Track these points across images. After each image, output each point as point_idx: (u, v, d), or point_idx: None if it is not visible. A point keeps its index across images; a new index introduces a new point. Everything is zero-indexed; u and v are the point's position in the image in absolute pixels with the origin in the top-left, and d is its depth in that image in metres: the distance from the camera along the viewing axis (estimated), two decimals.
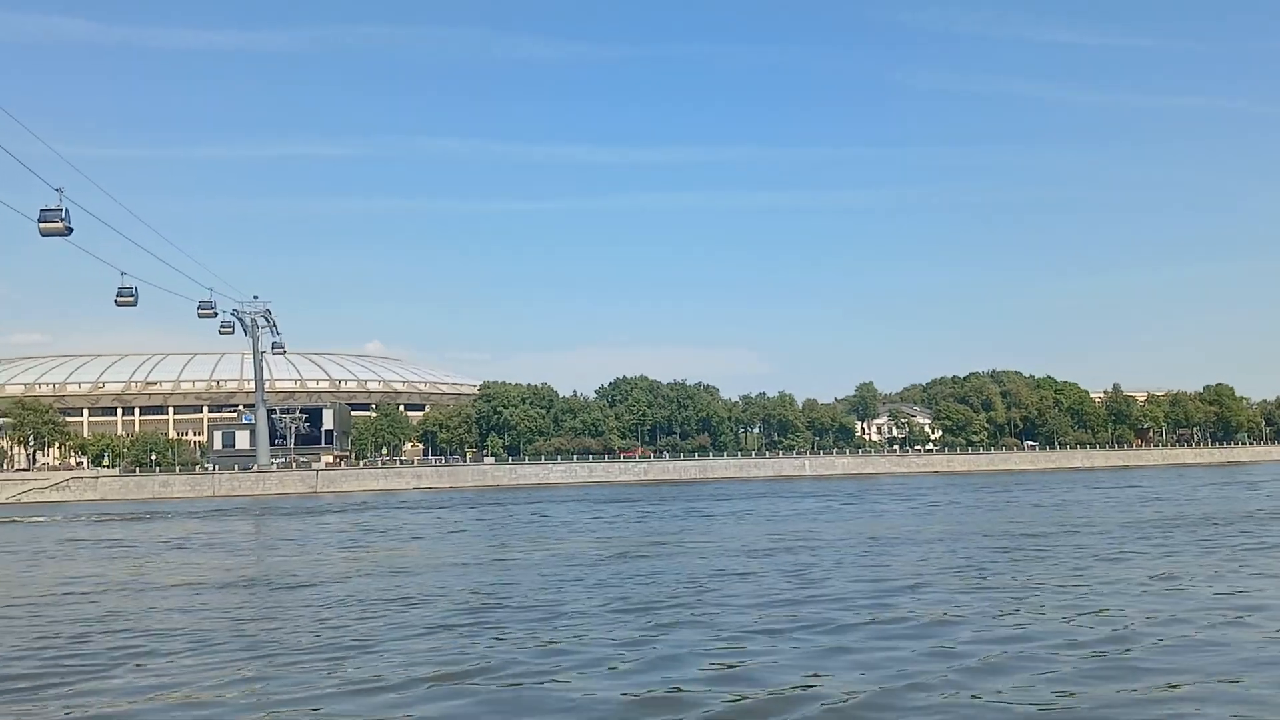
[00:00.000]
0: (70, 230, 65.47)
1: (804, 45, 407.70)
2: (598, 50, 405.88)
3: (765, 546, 44.72)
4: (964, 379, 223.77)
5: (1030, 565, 35.06)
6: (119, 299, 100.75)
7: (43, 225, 64.77)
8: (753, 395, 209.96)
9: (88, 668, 20.65)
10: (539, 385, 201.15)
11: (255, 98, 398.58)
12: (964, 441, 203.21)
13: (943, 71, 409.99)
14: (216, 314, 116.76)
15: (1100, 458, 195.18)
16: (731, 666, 19.55)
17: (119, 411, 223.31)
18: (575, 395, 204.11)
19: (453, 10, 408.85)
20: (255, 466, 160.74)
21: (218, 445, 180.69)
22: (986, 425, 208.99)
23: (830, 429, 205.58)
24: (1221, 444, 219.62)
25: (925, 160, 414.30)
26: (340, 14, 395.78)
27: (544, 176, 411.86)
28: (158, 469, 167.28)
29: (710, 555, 41.52)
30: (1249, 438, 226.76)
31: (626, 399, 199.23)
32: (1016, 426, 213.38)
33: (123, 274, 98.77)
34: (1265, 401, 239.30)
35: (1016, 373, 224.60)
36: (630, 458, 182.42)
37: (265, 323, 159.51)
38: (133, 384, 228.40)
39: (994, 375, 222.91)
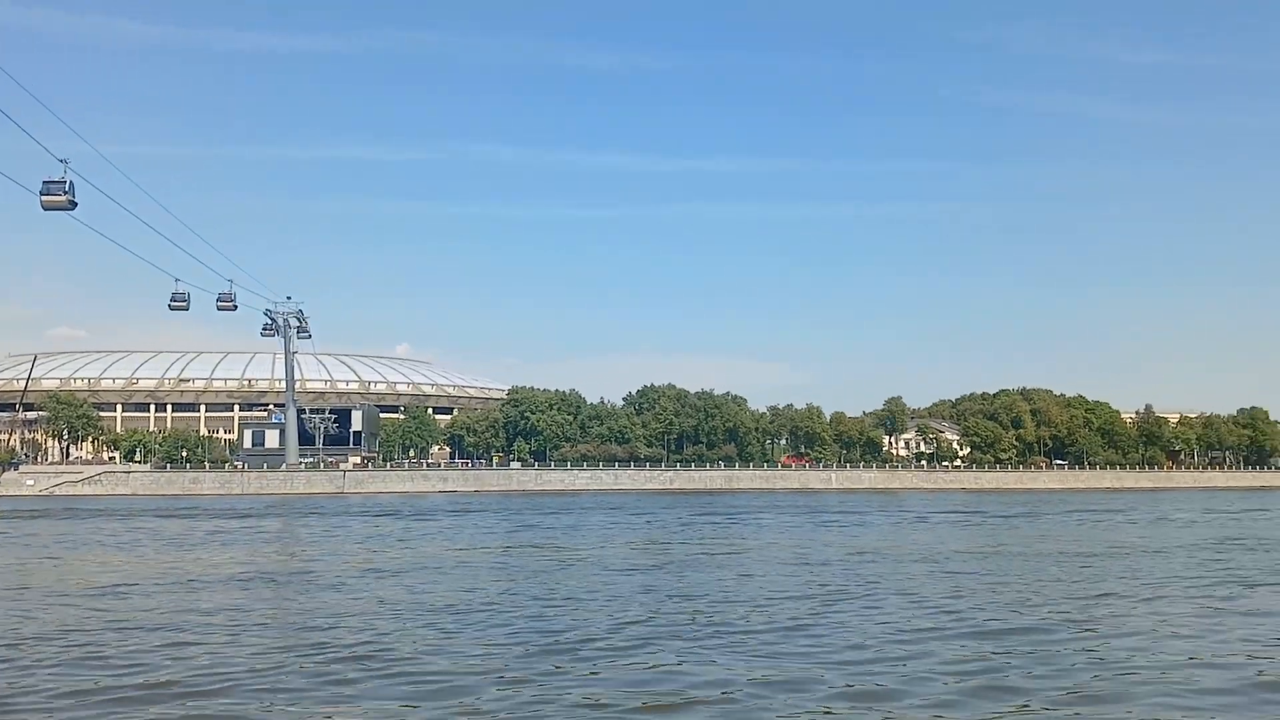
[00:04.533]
0: (74, 204, 61.53)
1: (848, 57, 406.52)
2: (645, 60, 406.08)
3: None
4: (993, 396, 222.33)
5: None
6: (173, 304, 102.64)
7: (45, 199, 60.89)
8: (780, 407, 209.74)
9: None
10: (567, 391, 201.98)
11: (295, 100, 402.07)
12: (992, 459, 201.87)
13: (988, 87, 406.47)
14: (235, 307, 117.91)
15: (1130, 479, 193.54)
16: None
17: (152, 408, 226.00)
18: (603, 402, 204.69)
19: (506, 18, 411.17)
20: (284, 466, 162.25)
21: (248, 444, 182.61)
22: (1015, 443, 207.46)
23: (857, 442, 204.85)
24: (1254, 468, 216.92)
25: (962, 175, 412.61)
26: (391, 19, 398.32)
27: (582, 185, 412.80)
28: (188, 465, 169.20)
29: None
30: None
31: (654, 407, 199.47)
32: (1046, 445, 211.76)
33: (176, 280, 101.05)
34: None
35: (1047, 391, 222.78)
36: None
37: (298, 323, 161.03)
38: (166, 380, 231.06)
39: (1024, 393, 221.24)
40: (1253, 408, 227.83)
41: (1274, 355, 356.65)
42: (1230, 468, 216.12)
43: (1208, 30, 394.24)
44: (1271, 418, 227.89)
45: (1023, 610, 29.19)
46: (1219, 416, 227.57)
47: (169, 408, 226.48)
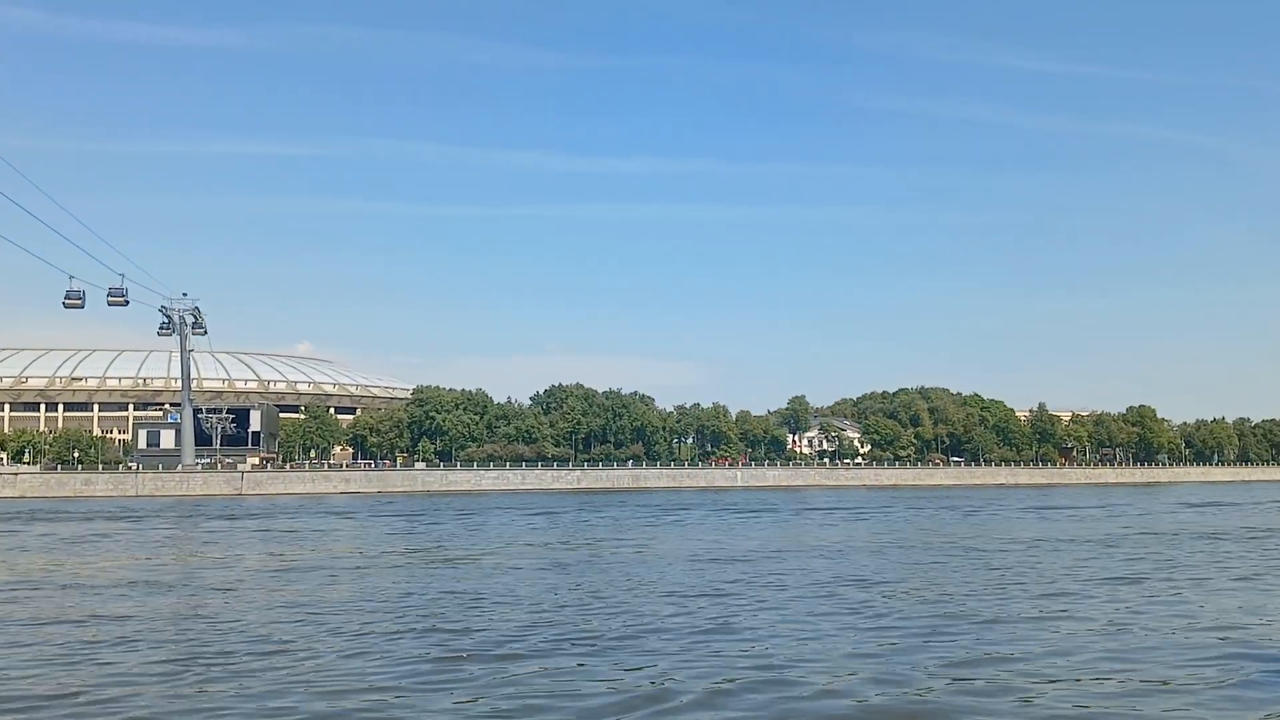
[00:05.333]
0: None
1: (766, 63, 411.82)
2: (561, 59, 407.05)
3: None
4: (893, 394, 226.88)
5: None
6: (67, 301, 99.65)
7: None
8: (687, 406, 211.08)
9: None
10: (473, 391, 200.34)
11: (209, 95, 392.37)
12: (892, 456, 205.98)
13: (898, 94, 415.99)
14: (127, 302, 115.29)
15: (1024, 475, 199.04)
16: None
17: (42, 407, 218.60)
18: (510, 402, 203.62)
19: (418, 14, 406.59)
20: (180, 467, 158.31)
21: (142, 444, 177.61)
22: (914, 440, 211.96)
23: (762, 440, 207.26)
24: (1143, 464, 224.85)
25: (863, 179, 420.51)
26: (301, 14, 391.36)
27: (494, 183, 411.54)
28: (80, 467, 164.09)
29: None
30: (1169, 459, 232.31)
31: (561, 406, 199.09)
32: (943, 442, 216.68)
33: (71, 278, 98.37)
34: (1185, 424, 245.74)
35: (944, 389, 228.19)
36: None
37: (194, 319, 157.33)
38: (57, 379, 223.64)
39: (922, 391, 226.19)
40: (1141, 406, 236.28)
41: (1162, 356, 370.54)
42: (1120, 464, 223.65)
43: (1100, 40, 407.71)
44: (1159, 416, 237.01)
45: (929, 603, 30.09)
46: (1109, 415, 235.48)
47: (60, 407, 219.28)
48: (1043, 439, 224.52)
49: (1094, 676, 20.07)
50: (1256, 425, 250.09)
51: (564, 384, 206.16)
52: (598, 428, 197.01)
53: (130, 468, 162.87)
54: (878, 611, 28.54)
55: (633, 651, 22.82)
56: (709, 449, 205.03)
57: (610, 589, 34.07)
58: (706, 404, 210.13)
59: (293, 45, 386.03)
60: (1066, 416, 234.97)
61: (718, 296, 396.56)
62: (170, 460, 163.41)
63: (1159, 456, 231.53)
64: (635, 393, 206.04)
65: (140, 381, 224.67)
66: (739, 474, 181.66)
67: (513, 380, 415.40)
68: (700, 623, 26.72)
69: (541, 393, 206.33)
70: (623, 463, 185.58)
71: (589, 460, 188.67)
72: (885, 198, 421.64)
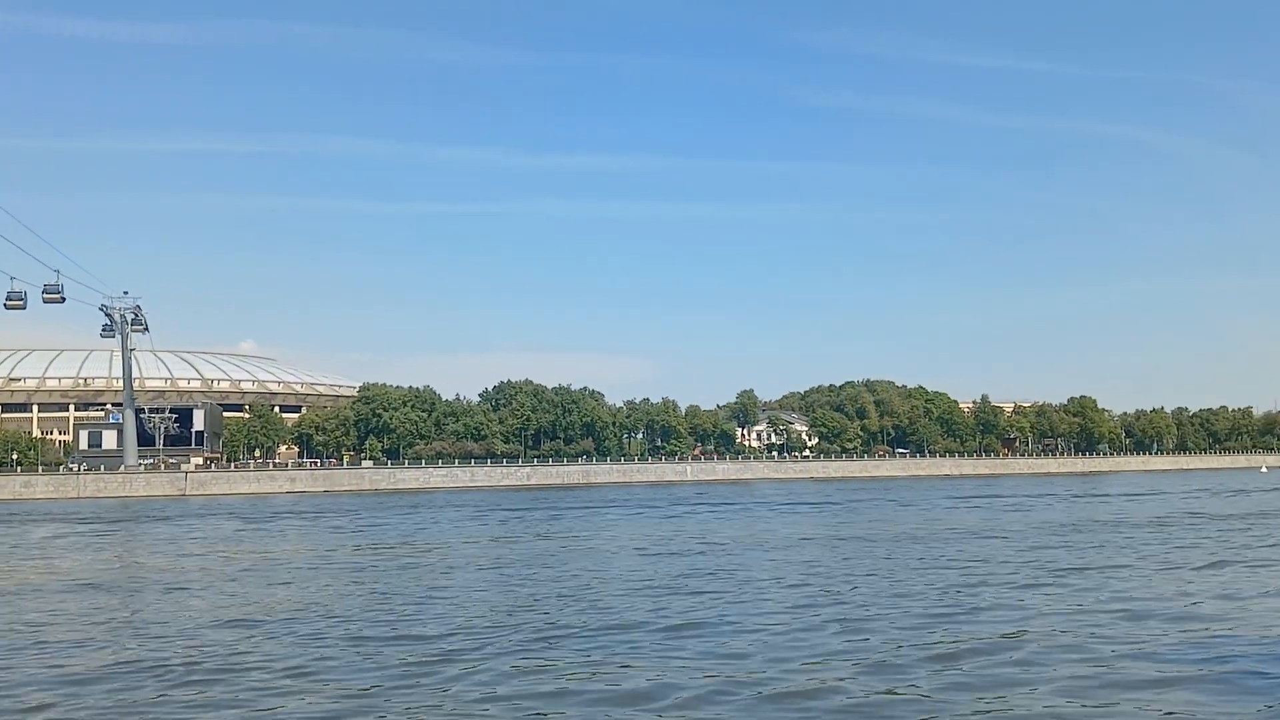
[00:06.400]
0: None
1: (707, 59, 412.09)
2: (505, 55, 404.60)
3: None
4: (839, 388, 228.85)
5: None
6: (9, 302, 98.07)
7: None
8: (637, 401, 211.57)
9: None
10: (421, 388, 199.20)
11: (148, 91, 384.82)
12: (839, 448, 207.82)
13: (839, 91, 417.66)
14: (63, 299, 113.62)
15: (969, 465, 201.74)
16: None
17: None
18: (458, 399, 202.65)
19: (361, 9, 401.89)
20: (122, 468, 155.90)
21: (83, 445, 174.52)
22: (860, 433, 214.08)
23: (712, 435, 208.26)
24: (1084, 454, 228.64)
25: (807, 175, 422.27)
26: (237, 10, 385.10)
27: (432, 179, 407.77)
28: (19, 469, 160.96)
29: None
30: (1109, 448, 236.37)
31: (510, 403, 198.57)
32: (889, 434, 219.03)
33: (12, 279, 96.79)
34: (1125, 414, 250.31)
35: (889, 382, 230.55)
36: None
37: (135, 318, 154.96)
38: None
39: (868, 384, 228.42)
40: (1082, 397, 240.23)
41: (1101, 347, 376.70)
42: (1062, 454, 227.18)
43: (1043, 35, 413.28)
44: (1100, 406, 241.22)
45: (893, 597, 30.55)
46: (1051, 405, 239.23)
47: None
48: (986, 430, 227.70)
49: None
50: (1194, 415, 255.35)
51: (513, 380, 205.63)
52: (547, 424, 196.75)
53: (71, 469, 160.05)
54: (848, 604, 28.94)
55: (600, 650, 22.83)
56: (659, 444, 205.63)
57: (567, 586, 34.24)
58: (656, 399, 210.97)
59: (240, 40, 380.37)
60: (1009, 408, 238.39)
61: (666, 292, 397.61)
62: (112, 461, 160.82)
63: (1100, 446, 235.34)
64: (585, 388, 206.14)
65: (81, 381, 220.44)
66: (689, 468, 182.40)
67: (461, 377, 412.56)
68: (667, 618, 26.90)
69: (490, 389, 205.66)
70: (573, 459, 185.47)
71: (539, 456, 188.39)
72: (831, 194, 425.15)
